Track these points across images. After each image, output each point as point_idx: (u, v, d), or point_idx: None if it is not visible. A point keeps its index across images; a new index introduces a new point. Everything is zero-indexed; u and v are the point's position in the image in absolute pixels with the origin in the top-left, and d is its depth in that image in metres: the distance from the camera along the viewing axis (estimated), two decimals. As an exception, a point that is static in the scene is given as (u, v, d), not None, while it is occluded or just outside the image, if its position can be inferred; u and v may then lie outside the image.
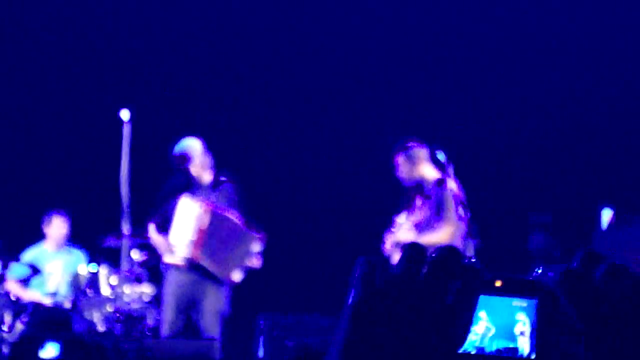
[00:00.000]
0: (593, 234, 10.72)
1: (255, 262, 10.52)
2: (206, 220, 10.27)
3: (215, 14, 14.76)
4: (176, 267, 10.39)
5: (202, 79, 14.28)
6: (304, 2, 15.20)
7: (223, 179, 10.66)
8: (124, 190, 10.92)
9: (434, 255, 2.05)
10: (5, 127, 13.96)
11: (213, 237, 10.29)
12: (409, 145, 10.09)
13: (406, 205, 10.10)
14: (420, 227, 9.70)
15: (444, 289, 1.66)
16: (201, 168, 10.56)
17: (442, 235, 9.38)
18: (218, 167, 10.68)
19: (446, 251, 1.98)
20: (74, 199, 12.30)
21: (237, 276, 10.48)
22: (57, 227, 12.23)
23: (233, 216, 10.43)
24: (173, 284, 10.45)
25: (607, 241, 10.55)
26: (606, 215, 10.78)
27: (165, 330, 10.39)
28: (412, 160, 10.03)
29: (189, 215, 10.30)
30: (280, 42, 14.75)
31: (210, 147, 10.69)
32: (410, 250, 1.75)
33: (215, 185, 10.61)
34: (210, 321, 10.40)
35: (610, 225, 10.74)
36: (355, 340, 1.71)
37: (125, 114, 10.95)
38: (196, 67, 14.44)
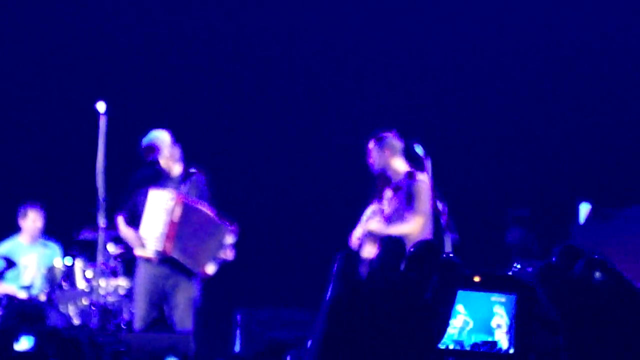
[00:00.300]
0: (571, 228, 10.70)
1: (228, 255, 10.44)
2: (178, 212, 10.17)
3: (191, 7, 14.62)
4: (147, 260, 10.30)
5: (177, 71, 14.16)
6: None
7: (193, 170, 10.57)
8: (99, 182, 10.60)
9: (412, 249, 2.02)
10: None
11: (185, 230, 10.18)
12: (384, 135, 10.21)
13: (375, 196, 10.27)
14: (390, 219, 9.96)
15: (423, 284, 1.63)
16: (170, 159, 10.49)
17: (412, 226, 9.63)
18: (188, 160, 10.64)
19: (425, 246, 1.95)
20: (49, 192, 12.28)
21: (210, 269, 10.40)
22: (32, 220, 12.19)
23: (205, 208, 10.36)
24: (144, 277, 10.36)
25: (585, 236, 10.56)
26: (584, 210, 10.77)
27: (137, 324, 10.33)
28: (383, 149, 10.16)
29: (159, 207, 10.23)
30: (253, 33, 14.62)
31: (182, 139, 10.65)
32: (389, 244, 1.73)
33: (185, 177, 10.53)
34: (183, 314, 10.31)
35: (588, 220, 10.73)
36: (333, 335, 1.69)
37: (101, 106, 10.74)
38: (171, 60, 14.33)
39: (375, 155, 10.18)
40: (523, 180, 10.95)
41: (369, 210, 10.29)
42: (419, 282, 1.62)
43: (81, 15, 14.33)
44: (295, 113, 14.41)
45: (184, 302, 10.34)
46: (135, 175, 10.56)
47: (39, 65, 14.05)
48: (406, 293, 1.60)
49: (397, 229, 9.48)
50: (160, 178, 10.43)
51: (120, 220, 10.43)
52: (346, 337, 1.83)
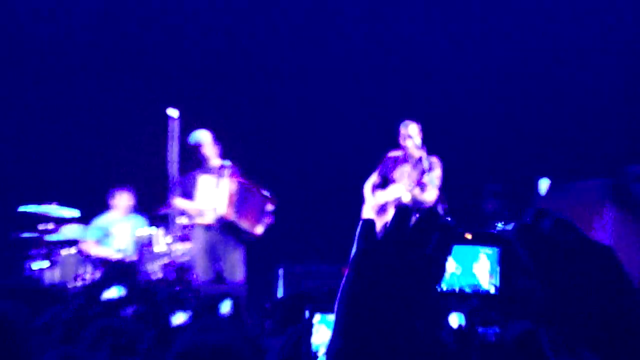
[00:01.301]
0: (532, 199, 10.34)
1: (269, 219, 10.54)
2: (234, 187, 10.30)
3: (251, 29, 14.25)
4: (206, 227, 10.42)
5: (232, 87, 13.84)
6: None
7: (227, 162, 10.60)
8: (172, 171, 10.89)
9: (418, 215, 1.68)
10: (91, 127, 13.56)
11: (239, 200, 10.32)
12: (410, 121, 10.23)
13: (388, 172, 10.26)
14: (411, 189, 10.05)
15: (426, 241, 1.35)
16: (211, 154, 10.58)
17: (432, 195, 9.88)
18: (226, 154, 10.71)
19: (428, 212, 1.63)
20: (138, 178, 12.00)
21: (259, 229, 10.48)
22: (124, 199, 12.05)
23: (252, 185, 10.47)
24: (202, 241, 10.50)
25: (545, 205, 10.12)
26: (544, 184, 10.49)
27: (202, 277, 10.42)
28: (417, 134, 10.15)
29: (212, 186, 10.35)
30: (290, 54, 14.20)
31: (228, 138, 10.79)
32: (400, 211, 1.44)
33: (223, 168, 10.55)
34: (234, 270, 10.40)
35: (547, 192, 10.34)
36: (356, 284, 1.38)
37: (173, 112, 10.93)
38: (222, 75, 14.02)
39: (416, 139, 10.06)
40: (497, 161, 10.64)
41: (368, 185, 10.41)
42: (423, 240, 1.33)
43: (166, 38, 13.94)
44: (324, 115, 14.04)
45: (234, 260, 10.44)
46: (188, 166, 10.77)
47: (135, 81, 13.77)
48: (413, 248, 1.31)
49: (422, 197, 9.92)
50: (202, 168, 10.59)
51: (178, 199, 10.60)
52: (366, 285, 1.49)
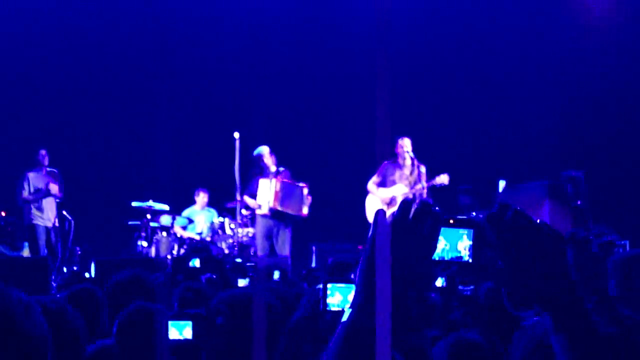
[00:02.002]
0: (493, 196, 10.29)
1: (309, 199, 10.60)
2: (278, 186, 10.43)
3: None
4: (263, 216, 10.57)
5: (277, 114, 13.78)
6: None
7: (282, 168, 10.78)
8: (237, 176, 10.73)
9: (417, 204, 1.71)
10: (182, 145, 13.70)
11: (282, 194, 10.43)
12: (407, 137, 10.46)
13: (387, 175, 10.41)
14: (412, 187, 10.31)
15: (422, 224, 1.36)
16: (269, 162, 10.68)
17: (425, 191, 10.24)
18: (280, 161, 10.87)
19: (424, 202, 1.65)
20: (213, 183, 12.01)
21: (305, 210, 10.58)
22: (202, 197, 12.14)
23: (290, 181, 10.63)
24: (261, 226, 10.63)
25: (502, 200, 10.01)
26: (501, 184, 10.36)
27: (259, 252, 10.51)
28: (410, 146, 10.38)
29: (267, 187, 10.46)
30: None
31: (275, 150, 10.94)
32: (404, 203, 1.46)
33: (277, 172, 10.71)
34: (283, 246, 10.46)
35: (504, 190, 10.27)
36: (372, 257, 1.39)
37: (236, 135, 10.89)
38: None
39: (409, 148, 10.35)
40: (467, 164, 10.48)
41: (371, 184, 10.54)
42: (420, 224, 1.35)
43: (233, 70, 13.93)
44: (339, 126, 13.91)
45: (283, 239, 10.46)
46: (251, 172, 10.83)
47: (211, 112, 13.78)
48: (413, 230, 1.33)
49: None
50: (264, 173, 10.68)
51: (246, 197, 10.75)
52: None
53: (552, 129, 13.24)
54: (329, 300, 3.21)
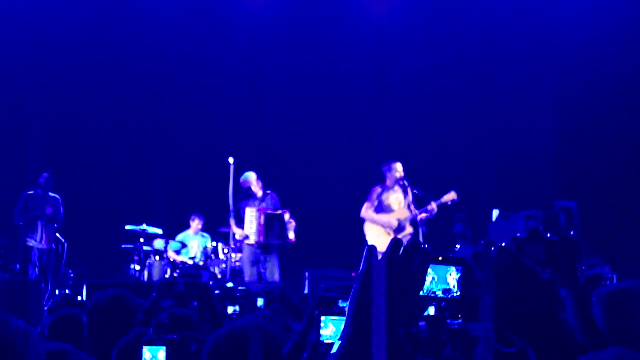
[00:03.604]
0: (488, 225, 10.33)
1: (293, 224, 10.64)
2: (262, 219, 10.46)
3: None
4: (250, 245, 10.60)
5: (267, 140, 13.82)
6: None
7: (268, 192, 10.81)
8: (231, 202, 10.74)
9: (405, 244, 1.73)
10: (176, 170, 13.75)
11: (267, 226, 10.44)
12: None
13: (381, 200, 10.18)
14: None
15: (411, 263, 1.38)
16: (256, 188, 10.73)
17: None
18: (266, 185, 10.87)
19: (413, 241, 1.67)
20: (207, 208, 12.06)
21: (291, 235, 10.64)
22: (197, 222, 12.13)
23: (272, 211, 10.58)
24: (249, 254, 10.66)
25: (496, 229, 10.14)
26: (495, 213, 10.41)
27: (247, 277, 10.52)
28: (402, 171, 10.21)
29: (254, 217, 10.50)
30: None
31: (261, 176, 10.94)
32: (394, 242, 1.48)
33: (264, 197, 10.75)
34: (272, 273, 10.50)
35: (497, 219, 10.32)
36: (362, 291, 1.41)
37: (231, 160, 10.83)
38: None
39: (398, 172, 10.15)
40: (462, 193, 10.46)
41: (365, 211, 10.18)
42: (409, 261, 1.37)
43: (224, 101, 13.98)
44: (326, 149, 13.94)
45: (271, 266, 10.51)
46: (237, 197, 10.83)
47: (202, 139, 13.80)
48: (402, 268, 1.36)
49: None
50: (251, 198, 10.74)
51: (233, 225, 10.81)
52: (369, 294, 1.52)
53: (546, 160, 13.34)
54: (322, 332, 3.23)
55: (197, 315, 5.14)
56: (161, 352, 3.12)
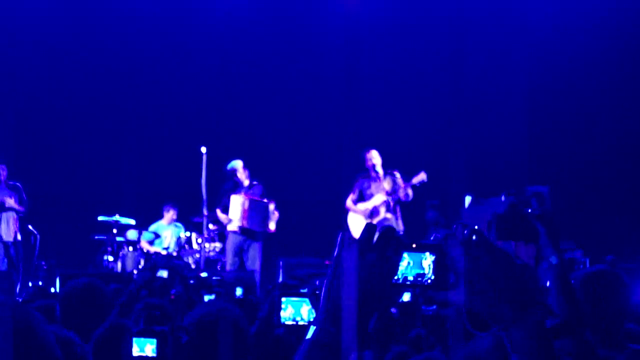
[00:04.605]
0: (460, 211, 10.37)
1: (276, 215, 10.68)
2: (247, 204, 10.42)
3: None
4: (234, 232, 10.53)
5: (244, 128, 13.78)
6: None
7: (254, 182, 10.76)
8: (203, 191, 10.74)
9: (382, 230, 1.73)
10: (148, 160, 13.65)
11: (251, 212, 10.43)
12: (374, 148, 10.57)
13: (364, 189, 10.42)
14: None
15: (385, 249, 1.39)
16: (242, 175, 10.68)
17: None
18: (252, 175, 10.83)
19: (387, 229, 1.67)
20: (179, 197, 12.02)
21: (272, 226, 10.65)
22: (171, 212, 12.05)
23: (258, 199, 10.56)
24: (232, 242, 10.58)
25: (468, 215, 10.13)
26: (467, 199, 10.43)
27: (229, 266, 10.51)
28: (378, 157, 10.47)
29: (238, 204, 10.44)
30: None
31: (248, 164, 10.88)
32: (368, 227, 1.49)
33: (250, 186, 10.70)
34: (253, 261, 10.47)
35: (470, 205, 10.33)
36: (336, 277, 1.42)
37: (203, 149, 10.84)
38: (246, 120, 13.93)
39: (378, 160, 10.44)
40: (434, 180, 10.52)
41: (349, 201, 10.50)
42: (384, 248, 1.38)
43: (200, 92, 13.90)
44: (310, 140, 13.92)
45: (253, 254, 10.48)
46: (224, 186, 10.79)
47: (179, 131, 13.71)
48: (377, 254, 1.37)
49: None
50: (237, 187, 10.68)
51: (218, 211, 10.72)
52: (344, 275, 1.54)
53: (518, 145, 13.41)
54: (282, 314, 3.24)
55: (175, 303, 5.13)
56: (151, 345, 3.07)
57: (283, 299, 3.32)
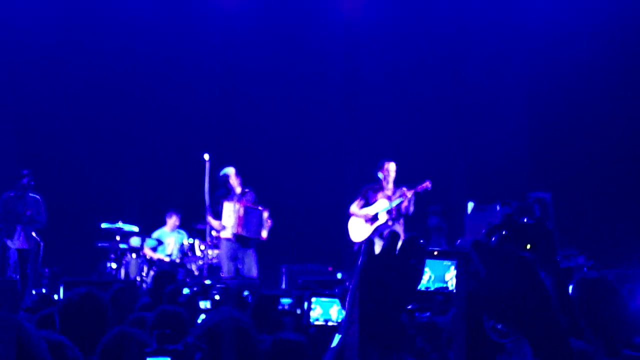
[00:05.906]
0: (464, 217, 10.40)
1: (269, 223, 10.63)
2: (241, 211, 10.44)
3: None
4: (227, 239, 10.56)
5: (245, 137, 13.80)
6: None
7: (246, 190, 10.73)
8: (206, 198, 10.72)
9: (405, 238, 1.74)
10: (152, 168, 13.66)
11: (245, 219, 10.43)
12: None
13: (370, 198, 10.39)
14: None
15: (409, 257, 1.40)
16: (234, 182, 10.66)
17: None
18: (250, 183, 10.87)
19: (410, 237, 1.68)
20: (182, 204, 12.08)
21: (264, 234, 10.60)
22: (174, 219, 12.10)
23: (252, 206, 10.56)
24: (226, 249, 10.59)
25: (471, 222, 10.23)
26: (470, 206, 10.47)
27: (225, 273, 10.51)
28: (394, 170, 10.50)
29: (231, 211, 10.46)
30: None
31: (245, 172, 10.98)
32: (392, 235, 1.50)
33: (242, 193, 10.68)
34: (250, 268, 10.48)
35: (472, 211, 10.38)
36: (362, 285, 1.43)
37: (206, 156, 10.82)
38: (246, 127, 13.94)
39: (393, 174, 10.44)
40: (437, 186, 10.52)
41: (354, 207, 10.49)
42: (407, 256, 1.40)
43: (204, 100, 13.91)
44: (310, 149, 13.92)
45: (249, 261, 10.48)
46: (216, 192, 10.77)
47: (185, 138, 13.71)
48: (401, 261, 1.38)
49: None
50: (229, 194, 10.66)
51: (209, 217, 10.72)
52: (370, 284, 1.56)
53: (520, 151, 13.42)
54: (311, 314, 3.24)
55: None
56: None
57: (313, 299, 3.32)
